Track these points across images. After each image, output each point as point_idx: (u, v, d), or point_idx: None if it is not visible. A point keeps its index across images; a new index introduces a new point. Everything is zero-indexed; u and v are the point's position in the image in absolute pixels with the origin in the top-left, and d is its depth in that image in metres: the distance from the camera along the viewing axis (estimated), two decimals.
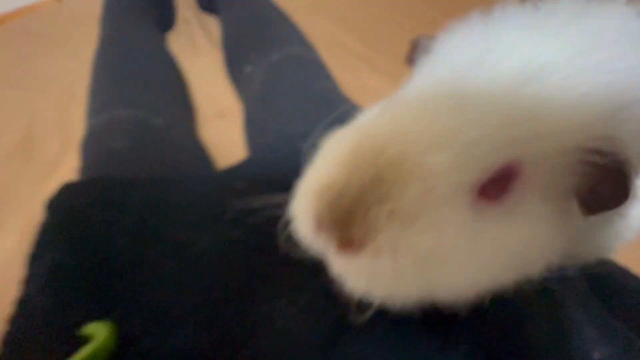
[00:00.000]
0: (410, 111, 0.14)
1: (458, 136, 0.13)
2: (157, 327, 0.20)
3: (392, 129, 0.14)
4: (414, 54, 0.19)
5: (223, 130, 0.57)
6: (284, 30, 0.53)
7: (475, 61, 0.14)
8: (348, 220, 0.13)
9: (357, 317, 0.16)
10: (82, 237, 0.23)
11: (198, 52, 0.70)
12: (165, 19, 0.74)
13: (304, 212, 0.16)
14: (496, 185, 0.14)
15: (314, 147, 0.19)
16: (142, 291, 0.21)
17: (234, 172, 0.30)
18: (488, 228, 0.14)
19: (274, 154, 0.30)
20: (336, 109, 0.38)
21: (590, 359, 0.17)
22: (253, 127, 0.42)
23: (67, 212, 0.25)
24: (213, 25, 0.75)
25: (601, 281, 0.31)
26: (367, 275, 0.14)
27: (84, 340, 0.16)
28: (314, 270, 0.22)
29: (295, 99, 0.38)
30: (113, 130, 0.37)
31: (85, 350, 0.15)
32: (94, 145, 0.37)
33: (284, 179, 0.27)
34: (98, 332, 0.16)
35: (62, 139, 0.60)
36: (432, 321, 0.17)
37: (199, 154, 0.41)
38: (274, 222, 0.24)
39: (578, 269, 0.35)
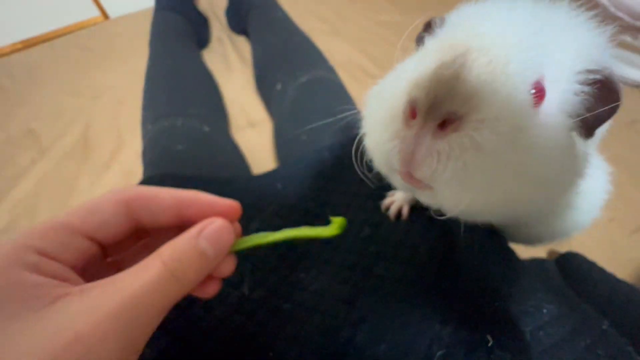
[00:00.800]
0: (480, 29, 0.16)
1: (519, 45, 0.15)
2: (227, 282, 0.27)
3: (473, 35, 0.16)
4: (426, 31, 0.21)
5: (254, 138, 0.65)
6: (310, 54, 0.61)
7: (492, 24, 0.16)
8: (446, 98, 0.14)
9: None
10: None
11: (230, 68, 0.79)
12: (202, 38, 0.83)
13: (397, 105, 0.16)
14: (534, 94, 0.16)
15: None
16: None
17: (273, 175, 0.38)
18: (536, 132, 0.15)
19: (305, 162, 0.37)
20: (354, 126, 0.46)
21: (540, 313, 0.24)
22: (284, 138, 0.50)
23: None
24: (243, 44, 0.85)
25: (571, 270, 0.39)
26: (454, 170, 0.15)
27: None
28: (338, 248, 0.29)
29: (322, 116, 0.46)
30: (173, 135, 0.45)
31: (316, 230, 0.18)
32: (157, 148, 0.44)
33: (313, 182, 0.36)
34: (335, 223, 0.18)
35: (113, 141, 0.69)
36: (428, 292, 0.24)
37: (238, 156, 0.50)
38: (306, 213, 0.31)
39: (553, 261, 0.45)
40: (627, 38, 0.63)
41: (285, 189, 0.36)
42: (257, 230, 0.29)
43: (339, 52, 0.80)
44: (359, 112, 0.42)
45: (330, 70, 0.59)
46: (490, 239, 0.29)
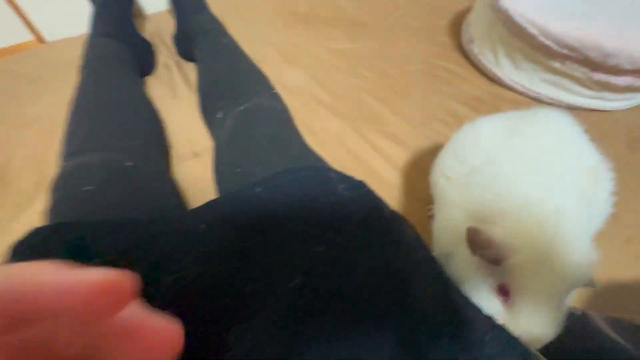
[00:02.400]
0: None
1: None
2: None
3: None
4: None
5: (198, 169, 0.61)
6: (254, 82, 0.59)
7: None
8: None
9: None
10: None
11: (177, 96, 0.75)
12: (146, 65, 0.79)
13: None
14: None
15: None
16: None
17: (197, 214, 0.34)
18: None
19: (233, 199, 0.34)
20: (293, 156, 0.43)
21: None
22: (220, 170, 0.46)
23: (34, 258, 0.27)
24: (191, 70, 0.82)
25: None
26: None
27: None
28: (263, 303, 0.26)
29: (259, 146, 0.43)
30: (83, 174, 0.39)
31: None
32: (64, 188, 0.38)
33: (241, 222, 0.32)
34: None
35: (37, 174, 0.62)
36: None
37: (169, 193, 0.45)
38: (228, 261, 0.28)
39: None
40: (557, 64, 0.67)
41: (209, 230, 0.32)
42: (174, 284, 0.24)
43: (291, 80, 0.79)
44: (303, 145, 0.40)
45: (275, 97, 0.58)
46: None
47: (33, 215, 0.56)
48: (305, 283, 0.27)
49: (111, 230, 0.29)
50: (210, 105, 0.60)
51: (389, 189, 0.59)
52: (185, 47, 0.81)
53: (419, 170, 0.61)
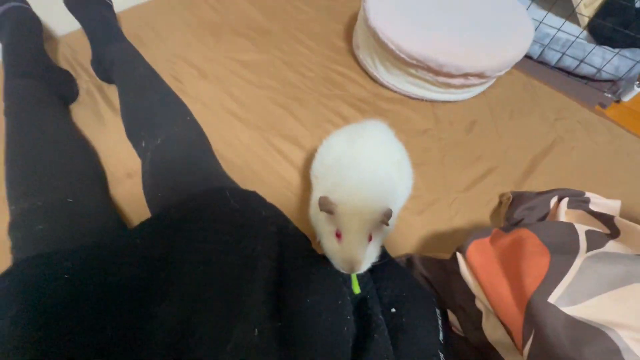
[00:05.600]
0: None
1: None
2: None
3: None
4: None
5: (133, 188, 0.71)
6: (169, 112, 0.70)
7: None
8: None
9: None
10: (35, 300, 0.37)
11: (102, 121, 0.83)
12: (66, 94, 0.84)
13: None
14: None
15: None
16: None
17: (133, 233, 0.48)
18: None
19: (155, 219, 0.49)
20: (202, 179, 0.59)
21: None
22: (147, 193, 0.60)
23: (21, 281, 0.39)
24: (113, 93, 0.89)
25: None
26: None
27: None
28: (177, 282, 0.42)
29: (173, 175, 0.57)
30: (32, 216, 0.49)
31: None
32: (21, 229, 0.48)
33: (162, 234, 0.47)
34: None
35: None
36: None
37: (108, 217, 0.57)
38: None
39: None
40: (412, 70, 0.87)
41: (142, 243, 0.47)
42: (120, 282, 0.42)
43: (206, 94, 0.91)
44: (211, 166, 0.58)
45: (188, 124, 0.70)
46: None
47: None
48: (203, 271, 0.44)
49: (67, 257, 0.43)
50: (134, 134, 0.71)
51: (288, 186, 0.76)
52: (104, 72, 0.87)
53: None
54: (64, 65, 0.95)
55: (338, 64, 1.03)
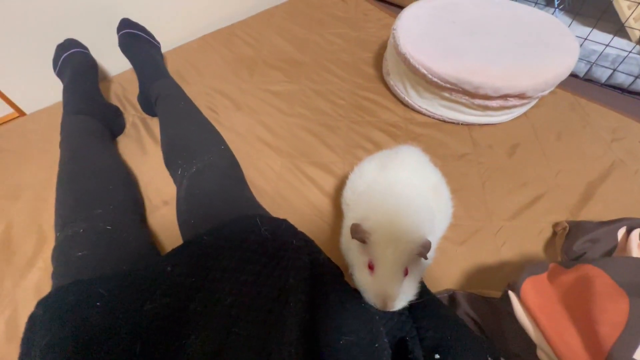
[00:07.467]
0: None
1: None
2: None
3: None
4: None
5: (169, 215, 0.74)
6: (205, 142, 0.73)
7: None
8: None
9: None
10: (67, 329, 0.37)
11: (145, 151, 0.89)
12: (115, 128, 0.92)
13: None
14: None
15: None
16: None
17: (165, 260, 0.48)
18: None
19: (188, 246, 0.49)
20: (234, 206, 0.59)
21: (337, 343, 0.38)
22: (181, 220, 0.61)
23: (56, 309, 0.40)
24: (155, 125, 0.95)
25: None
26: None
27: None
28: (206, 316, 0.41)
29: (207, 203, 0.58)
30: (73, 243, 0.52)
31: None
32: (62, 255, 0.51)
33: (195, 262, 0.47)
34: None
35: (35, 238, 0.75)
36: None
37: (144, 243, 0.59)
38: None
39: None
40: (446, 94, 0.84)
41: (173, 270, 0.47)
42: (152, 311, 0.41)
43: (240, 124, 0.94)
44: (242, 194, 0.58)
45: (223, 153, 0.72)
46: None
47: (38, 274, 0.69)
48: (233, 302, 0.42)
49: (102, 284, 0.43)
50: (172, 162, 0.74)
51: (320, 214, 0.75)
52: (149, 106, 0.95)
53: None
54: (114, 100, 1.03)
55: (368, 91, 1.04)
